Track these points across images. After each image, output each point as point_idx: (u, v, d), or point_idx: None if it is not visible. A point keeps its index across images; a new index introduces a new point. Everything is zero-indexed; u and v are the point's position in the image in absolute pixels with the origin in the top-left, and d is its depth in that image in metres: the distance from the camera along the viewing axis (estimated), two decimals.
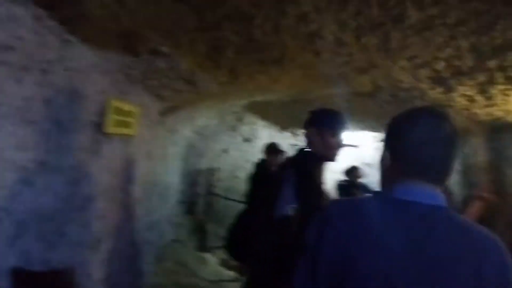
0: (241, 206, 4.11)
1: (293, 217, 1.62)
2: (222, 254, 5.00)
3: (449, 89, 3.31)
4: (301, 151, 1.87)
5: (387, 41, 2.21)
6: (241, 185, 5.41)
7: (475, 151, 4.66)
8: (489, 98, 3.22)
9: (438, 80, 3.13)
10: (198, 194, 5.62)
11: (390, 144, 1.03)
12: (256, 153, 5.78)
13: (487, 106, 3.45)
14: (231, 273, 4.67)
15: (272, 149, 4.12)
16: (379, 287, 0.85)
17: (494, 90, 2.98)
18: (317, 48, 2.33)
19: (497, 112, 3.55)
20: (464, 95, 3.38)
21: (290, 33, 2.04)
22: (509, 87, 2.77)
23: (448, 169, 0.96)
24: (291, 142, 6.39)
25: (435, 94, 3.50)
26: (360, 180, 5.20)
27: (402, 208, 0.92)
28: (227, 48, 2.27)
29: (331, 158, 1.83)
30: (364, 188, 5.16)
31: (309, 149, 1.84)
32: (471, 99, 3.41)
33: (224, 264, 4.97)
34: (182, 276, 4.27)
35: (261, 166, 4.05)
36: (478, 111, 3.71)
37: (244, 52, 2.38)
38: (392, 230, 0.89)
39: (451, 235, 0.87)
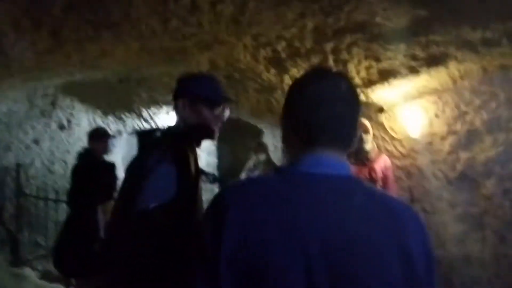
0: (63, 206, 3.51)
1: (162, 214, 1.28)
2: (43, 265, 4.21)
3: (282, 71, 3.51)
4: (168, 130, 1.54)
5: (242, 12, 2.13)
6: (61, 182, 4.68)
7: None
8: None
9: (274, 61, 3.26)
10: (5, 196, 4.54)
11: (286, 113, 0.92)
12: (75, 142, 5.06)
13: None
14: (57, 286, 3.95)
15: (98, 134, 3.65)
16: (300, 277, 0.72)
17: None
18: (168, 12, 2.05)
19: None
20: (293, 78, 3.64)
21: None
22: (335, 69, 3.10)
23: (350, 131, 0.88)
24: (116, 128, 5.81)
25: (269, 76, 3.67)
26: None
27: (310, 183, 0.81)
28: (53, 1, 1.76)
29: (210, 135, 1.54)
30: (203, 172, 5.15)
31: (180, 127, 1.52)
32: None
33: (47, 277, 4.18)
34: None
35: (85, 156, 3.53)
36: None
37: (75, 10, 1.91)
38: (305, 209, 0.76)
39: (370, 209, 0.79)
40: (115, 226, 1.43)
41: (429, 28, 2.08)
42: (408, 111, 3.77)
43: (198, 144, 1.58)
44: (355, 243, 0.73)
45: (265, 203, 0.78)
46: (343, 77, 0.92)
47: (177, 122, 1.55)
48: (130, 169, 1.48)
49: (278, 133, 5.71)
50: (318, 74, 0.93)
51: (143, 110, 5.35)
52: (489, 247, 3.10)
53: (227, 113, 1.58)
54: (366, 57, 2.78)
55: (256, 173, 5.11)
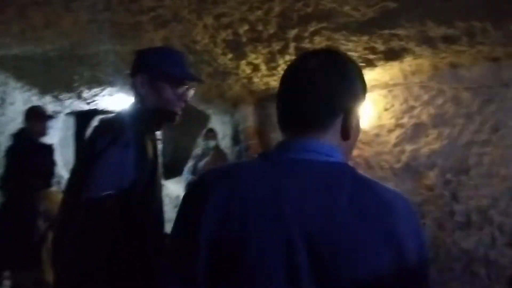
0: None
1: (115, 203, 1.16)
2: None
3: (239, 56, 3.42)
4: (123, 110, 1.40)
5: None
6: None
7: (245, 117, 5.13)
8: (272, 68, 3.50)
9: (233, 45, 3.17)
10: None
11: (276, 98, 0.88)
12: (9, 123, 4.60)
13: (267, 76, 3.76)
14: None
15: (36, 114, 3.35)
16: (280, 262, 0.70)
17: (281, 61, 3.25)
18: None
19: (273, 82, 3.93)
20: (250, 64, 3.57)
21: None
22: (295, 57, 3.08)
23: (334, 113, 0.81)
24: (54, 108, 5.36)
25: (225, 60, 3.57)
26: None
27: (295, 168, 0.77)
28: None
29: (171, 118, 1.40)
30: None
31: (136, 107, 1.37)
32: (256, 68, 3.63)
33: None
34: None
35: (21, 137, 3.22)
36: (257, 80, 4.01)
37: None
38: (289, 194, 0.73)
39: (359, 196, 0.75)
40: (65, 217, 1.28)
41: (395, 21, 2.12)
42: None
43: (158, 127, 1.44)
44: (340, 229, 0.71)
45: (248, 186, 0.76)
46: (329, 55, 0.86)
47: (134, 102, 1.39)
48: (80, 154, 1.34)
49: (227, 119, 5.63)
50: (305, 55, 0.89)
51: (84, 90, 4.98)
52: (428, 234, 3.31)
53: (191, 93, 1.44)
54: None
55: (204, 160, 4.99)
